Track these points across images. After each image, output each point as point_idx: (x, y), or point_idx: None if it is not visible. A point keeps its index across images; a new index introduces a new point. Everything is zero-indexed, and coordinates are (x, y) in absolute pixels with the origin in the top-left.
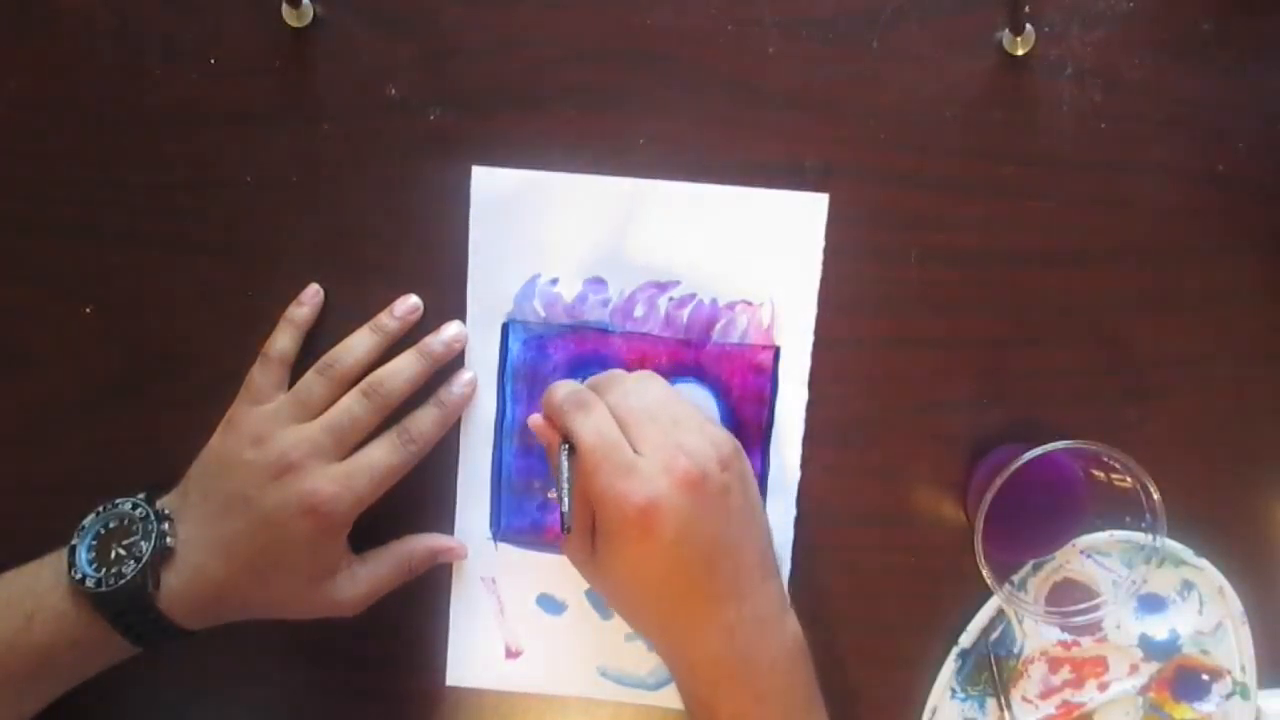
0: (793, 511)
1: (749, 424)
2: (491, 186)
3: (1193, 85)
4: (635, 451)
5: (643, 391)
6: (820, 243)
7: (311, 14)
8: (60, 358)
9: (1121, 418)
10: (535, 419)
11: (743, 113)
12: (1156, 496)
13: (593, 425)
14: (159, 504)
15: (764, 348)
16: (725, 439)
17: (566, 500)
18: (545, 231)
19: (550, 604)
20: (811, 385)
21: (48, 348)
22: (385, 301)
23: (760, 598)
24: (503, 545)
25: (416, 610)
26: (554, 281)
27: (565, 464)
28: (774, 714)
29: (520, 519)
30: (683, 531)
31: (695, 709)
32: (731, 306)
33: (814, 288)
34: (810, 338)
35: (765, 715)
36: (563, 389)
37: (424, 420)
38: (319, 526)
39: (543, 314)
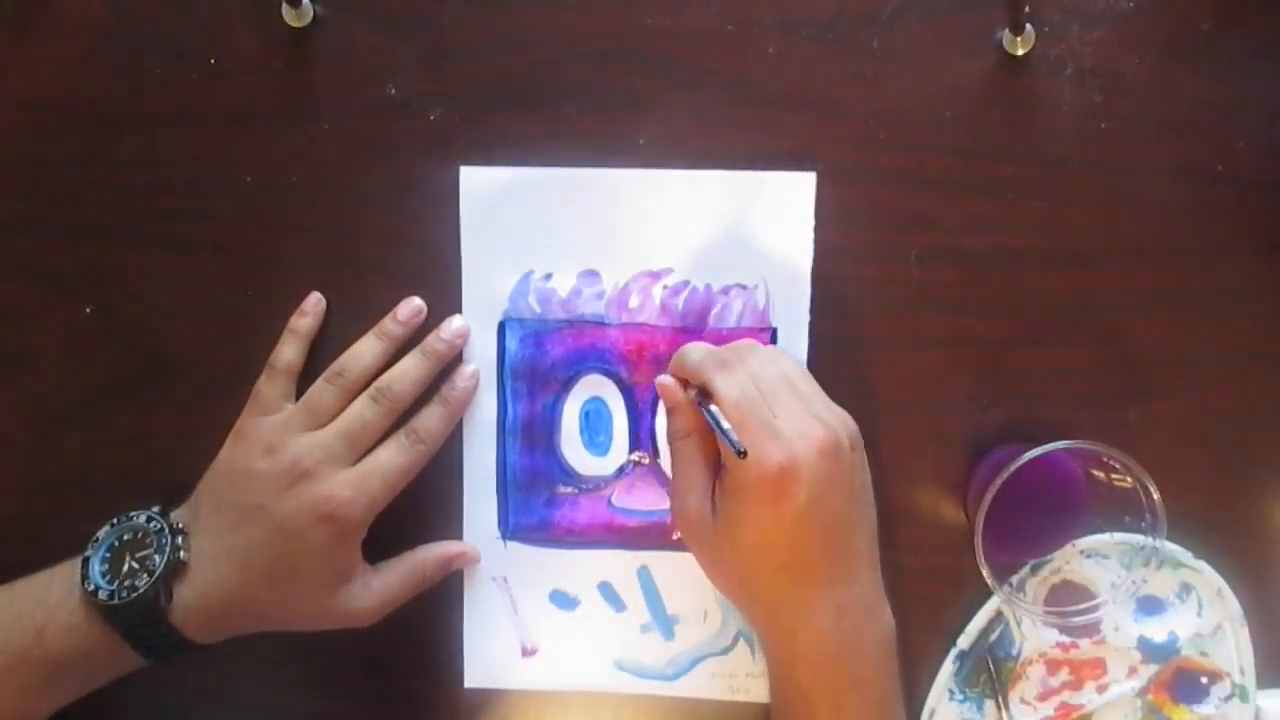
0: None
1: None
2: (480, 186)
3: (1193, 85)
4: (773, 414)
5: (779, 363)
6: (810, 222)
7: (311, 14)
8: (60, 358)
9: (1121, 418)
10: (664, 379)
11: (743, 112)
12: (1156, 496)
13: (736, 383)
14: (172, 517)
15: (761, 330)
16: (850, 420)
17: (732, 434)
18: (536, 227)
19: (563, 600)
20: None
21: (48, 348)
22: (385, 301)
23: (868, 583)
24: (512, 544)
25: (430, 613)
26: (548, 277)
27: (714, 411)
28: (867, 702)
29: (528, 516)
30: (813, 499)
31: (789, 696)
32: (726, 291)
33: (807, 267)
34: (807, 318)
35: (859, 704)
36: (698, 350)
37: (430, 419)
38: (335, 532)
39: (538, 310)
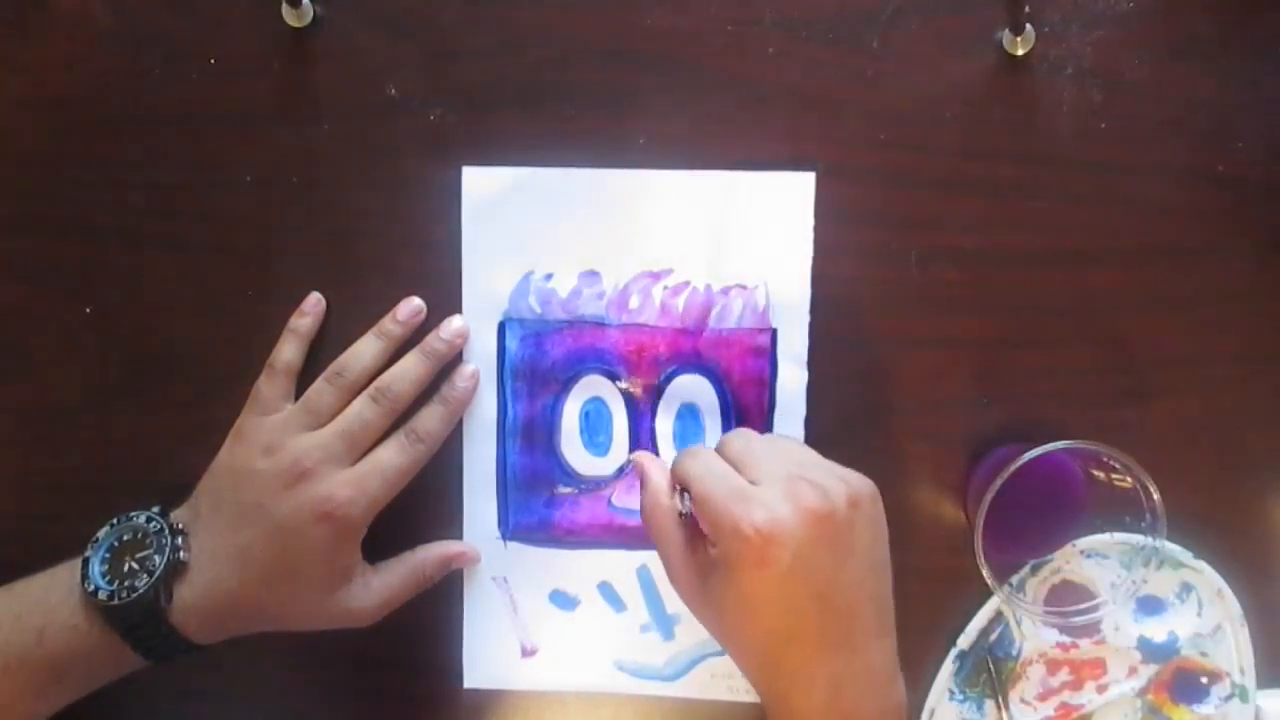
0: None
1: (750, 408)
2: (482, 186)
3: (1193, 85)
4: (753, 482)
5: (770, 439)
6: (810, 222)
7: (311, 14)
8: (60, 358)
9: (1121, 418)
10: (638, 454)
11: (743, 113)
12: (1156, 496)
13: (701, 461)
14: (172, 517)
15: (761, 330)
16: (861, 480)
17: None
18: (537, 228)
19: (563, 600)
20: (811, 384)
21: (48, 348)
22: (384, 301)
23: (873, 654)
24: (512, 544)
25: (430, 612)
26: (548, 277)
27: (684, 499)
28: None
29: (528, 516)
30: (799, 560)
31: None
32: (726, 291)
33: (807, 268)
34: (806, 318)
35: None
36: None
37: (430, 418)
38: (334, 532)
39: (539, 310)
